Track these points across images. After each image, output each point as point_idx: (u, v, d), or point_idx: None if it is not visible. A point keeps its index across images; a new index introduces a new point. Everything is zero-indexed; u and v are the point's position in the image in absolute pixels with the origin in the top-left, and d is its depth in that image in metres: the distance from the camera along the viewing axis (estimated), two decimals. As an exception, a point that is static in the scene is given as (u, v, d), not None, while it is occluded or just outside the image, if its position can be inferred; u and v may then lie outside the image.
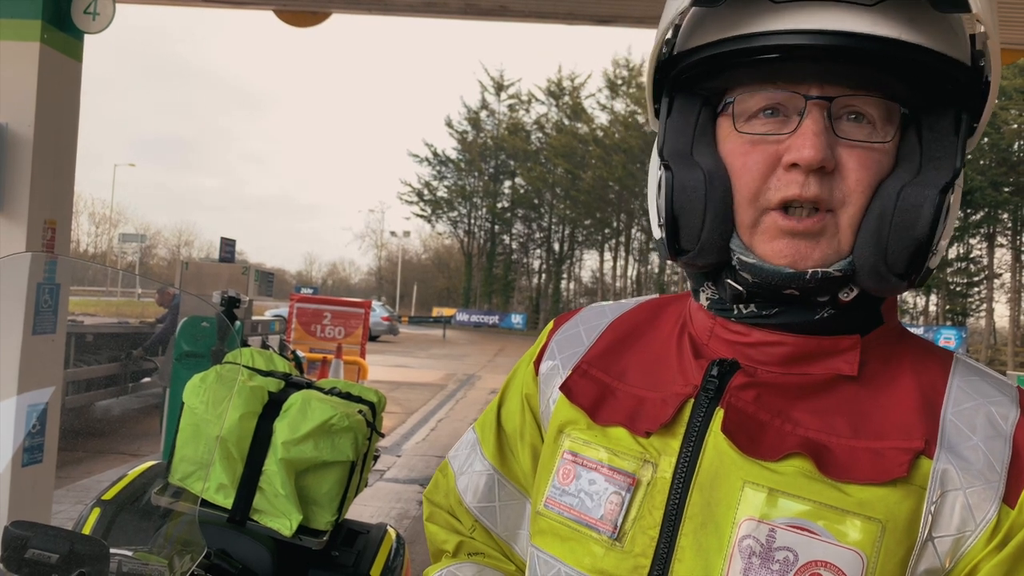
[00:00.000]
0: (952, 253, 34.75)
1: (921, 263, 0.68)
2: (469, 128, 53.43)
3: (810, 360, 0.73)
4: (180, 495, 1.85)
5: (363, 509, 5.63)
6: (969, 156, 0.76)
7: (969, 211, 33.18)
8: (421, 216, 55.21)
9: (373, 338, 24.27)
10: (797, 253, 0.69)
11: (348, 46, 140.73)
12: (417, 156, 58.06)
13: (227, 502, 1.86)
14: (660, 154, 0.75)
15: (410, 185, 57.22)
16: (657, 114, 0.79)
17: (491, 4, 4.21)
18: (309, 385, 2.05)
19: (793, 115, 0.69)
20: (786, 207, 0.69)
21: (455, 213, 54.68)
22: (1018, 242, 32.36)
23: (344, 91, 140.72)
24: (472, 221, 54.83)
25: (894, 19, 0.66)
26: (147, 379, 9.91)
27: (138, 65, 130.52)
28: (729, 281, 0.73)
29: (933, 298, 35.57)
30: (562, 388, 0.84)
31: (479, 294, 53.09)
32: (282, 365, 2.15)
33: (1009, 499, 0.66)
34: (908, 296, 36.40)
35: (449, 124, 54.86)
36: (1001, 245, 33.34)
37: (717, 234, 0.71)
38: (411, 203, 55.00)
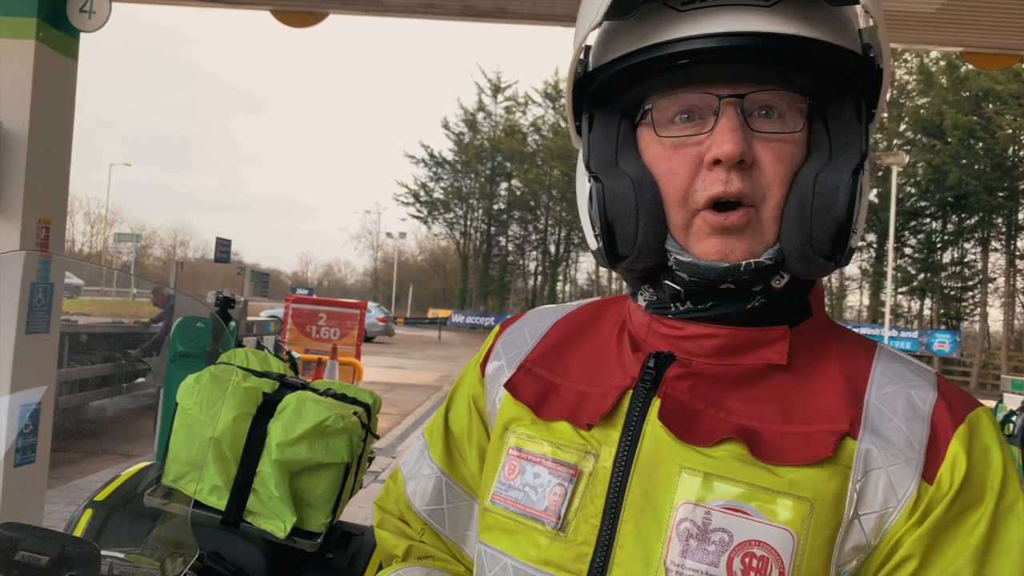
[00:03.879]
0: (947, 257, 34.87)
1: (844, 243, 0.72)
2: (466, 130, 53.42)
3: (742, 351, 0.77)
4: (173, 496, 1.84)
5: (358, 511, 5.62)
6: (872, 140, 0.80)
7: (963, 215, 33.30)
8: (417, 217, 55.16)
9: (369, 339, 24.22)
10: (727, 247, 0.72)
11: (345, 47, 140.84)
12: (413, 157, 57.97)
13: (220, 503, 1.85)
14: (587, 167, 0.78)
15: (406, 186, 57.14)
16: (579, 130, 0.82)
17: (488, 6, 4.20)
18: (304, 386, 2.04)
19: (709, 116, 0.73)
20: (714, 205, 0.72)
21: (451, 215, 54.64)
22: (1012, 247, 32.49)
23: (341, 92, 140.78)
24: (468, 223, 54.82)
25: (791, 17, 0.70)
26: (141, 379, 9.88)
27: (132, 65, 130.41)
28: (667, 282, 0.77)
29: (927, 302, 35.69)
30: (507, 386, 0.87)
31: (475, 296, 53.05)
32: (277, 366, 2.13)
33: (927, 475, 0.71)
34: (902, 300, 36.55)
35: (446, 126, 54.95)
36: (995, 249, 33.45)
37: (652, 237, 0.74)
38: (407, 204, 55.08)
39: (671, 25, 0.72)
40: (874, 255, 36.58)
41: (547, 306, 0.99)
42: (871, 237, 36.67)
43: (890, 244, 27.23)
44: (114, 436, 8.52)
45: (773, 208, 0.73)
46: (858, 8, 0.75)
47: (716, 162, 0.71)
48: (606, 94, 0.78)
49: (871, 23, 0.74)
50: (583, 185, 0.81)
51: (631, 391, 0.78)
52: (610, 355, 0.84)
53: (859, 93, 0.75)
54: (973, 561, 0.68)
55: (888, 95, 0.79)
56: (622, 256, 0.77)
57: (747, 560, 0.69)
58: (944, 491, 0.70)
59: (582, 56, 0.79)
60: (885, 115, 35.44)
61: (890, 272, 27.15)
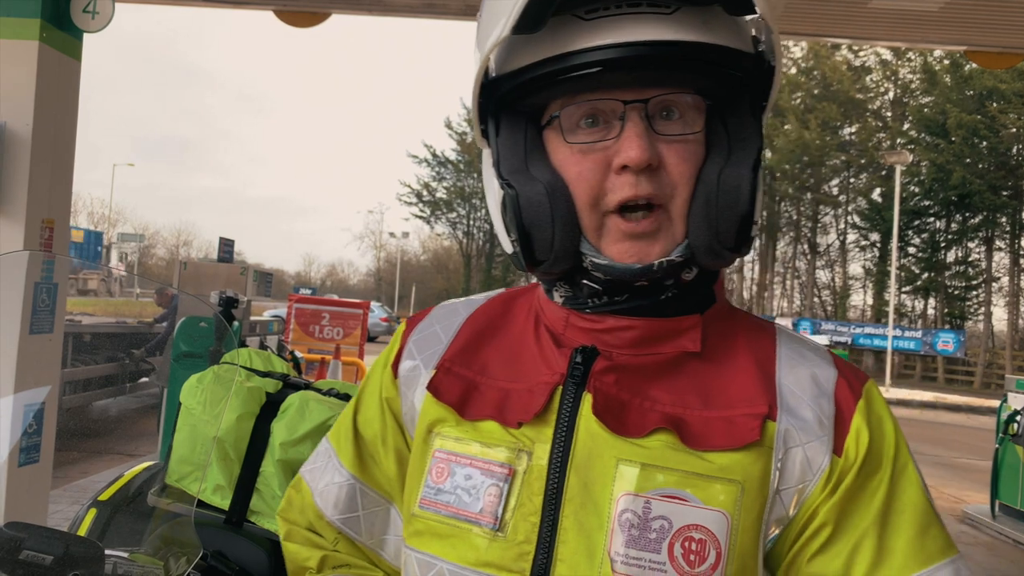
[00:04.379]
0: (950, 256, 34.79)
1: (747, 234, 0.76)
2: (468, 129, 53.38)
3: (659, 341, 0.80)
4: (177, 496, 1.84)
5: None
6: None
7: (967, 214, 33.20)
8: (420, 217, 55.14)
9: (372, 339, 24.26)
10: (641, 252, 0.75)
11: (347, 47, 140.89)
12: (416, 157, 58.08)
13: (224, 503, 1.85)
14: (499, 173, 0.79)
15: (409, 186, 57.11)
16: (484, 134, 0.83)
17: (491, 5, 4.20)
18: (307, 386, 2.04)
19: (614, 121, 0.75)
20: (624, 208, 0.75)
21: (454, 214, 54.63)
22: (1016, 246, 32.39)
23: (343, 92, 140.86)
24: (471, 222, 54.80)
25: (691, 24, 0.73)
26: (144, 379, 9.90)
27: (138, 65, 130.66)
28: (586, 282, 0.79)
29: (931, 302, 35.61)
30: (429, 388, 0.85)
31: (478, 295, 52.98)
32: (280, 366, 2.14)
33: (837, 449, 0.77)
34: (906, 300, 36.46)
35: (448, 125, 54.87)
36: (999, 249, 33.35)
37: (568, 241, 0.76)
38: (410, 204, 55.04)
39: (577, 35, 0.74)
40: (878, 254, 36.51)
41: (454, 300, 0.98)
42: (874, 236, 36.64)
43: (894, 243, 27.19)
44: (118, 436, 8.54)
45: (680, 206, 0.76)
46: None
47: (624, 167, 0.73)
48: (511, 99, 0.79)
49: (761, 29, 0.79)
50: (494, 190, 0.81)
51: (560, 387, 0.79)
52: (529, 350, 0.85)
53: (754, 91, 0.79)
54: (877, 522, 0.75)
55: (777, 91, 0.83)
56: (540, 261, 0.78)
57: (687, 544, 0.72)
58: (851, 462, 0.76)
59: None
60: (888, 114, 35.38)
61: (894, 271, 27.12)
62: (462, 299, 0.97)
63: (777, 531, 0.76)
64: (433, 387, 0.85)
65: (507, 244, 0.81)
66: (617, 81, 0.74)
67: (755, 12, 0.73)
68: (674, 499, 0.73)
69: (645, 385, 0.78)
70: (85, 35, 3.38)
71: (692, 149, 0.76)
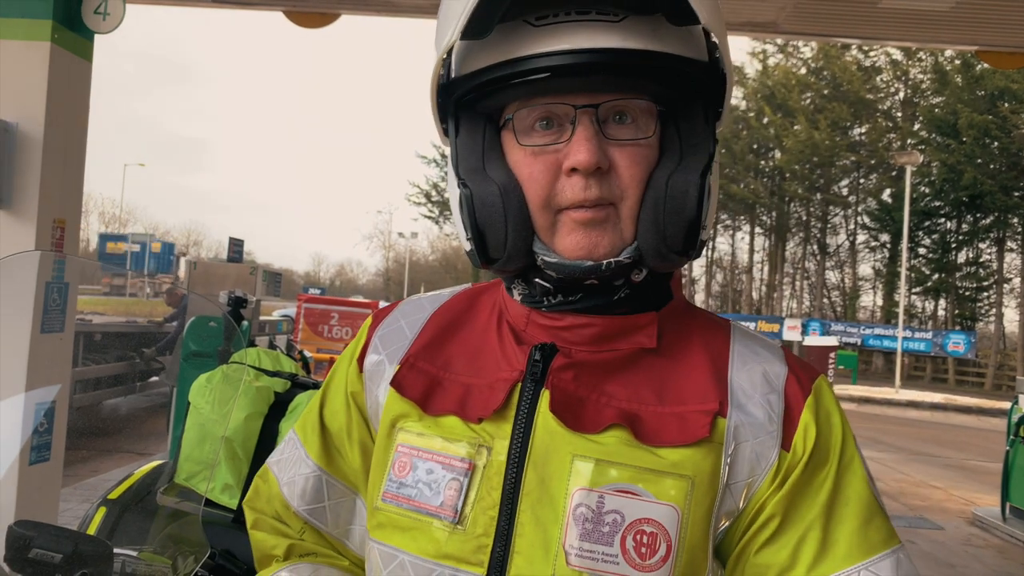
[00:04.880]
0: (961, 257, 34.56)
1: (695, 239, 0.78)
2: (477, 130, 53.30)
3: (616, 338, 0.82)
4: (185, 495, 1.85)
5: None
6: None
7: (978, 215, 32.99)
8: (429, 217, 55.14)
9: (380, 339, 24.20)
10: (590, 243, 0.77)
11: (356, 48, 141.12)
12: (425, 157, 58.00)
13: (232, 503, 1.86)
14: (456, 173, 0.82)
15: (418, 186, 57.06)
16: (446, 133, 0.85)
17: (500, 6, 4.20)
18: (315, 385, 2.05)
19: (566, 124, 0.77)
20: (574, 209, 0.77)
21: (463, 214, 54.57)
22: (1028, 247, 32.17)
23: (352, 93, 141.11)
24: (479, 223, 54.74)
25: (639, 32, 0.75)
26: (154, 378, 9.95)
27: (150, 66, 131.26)
28: (538, 280, 0.81)
29: (942, 303, 35.38)
30: (393, 383, 0.87)
31: (486, 296, 52.98)
32: (288, 365, 2.15)
33: (785, 444, 0.79)
34: (916, 301, 36.25)
35: (457, 126, 54.77)
36: (1011, 250, 33.10)
37: (521, 240, 0.79)
38: (419, 204, 54.99)
39: (527, 41, 0.75)
40: (888, 255, 36.33)
41: (420, 295, 0.99)
42: (884, 237, 36.46)
43: (904, 244, 27.05)
44: (128, 435, 8.58)
45: (630, 208, 0.77)
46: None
47: (573, 170, 0.75)
48: (469, 101, 0.81)
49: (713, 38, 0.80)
50: (453, 189, 0.83)
51: (520, 384, 0.81)
52: (491, 346, 0.86)
53: (707, 98, 0.80)
54: (822, 515, 0.78)
55: (732, 98, 0.84)
56: (494, 259, 0.81)
57: (638, 537, 0.74)
58: (799, 456, 0.79)
59: (445, 58, 0.81)
60: (899, 114, 35.20)
61: (904, 272, 26.96)
62: (428, 294, 0.99)
63: (727, 523, 0.79)
64: (397, 383, 0.86)
65: (465, 242, 0.82)
66: (569, 86, 0.76)
67: (698, 22, 0.74)
68: (627, 494, 0.75)
69: (602, 381, 0.81)
70: (96, 36, 3.40)
71: (643, 153, 0.78)
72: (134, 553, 1.39)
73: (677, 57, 0.76)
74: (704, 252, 0.81)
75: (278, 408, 1.92)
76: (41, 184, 3.18)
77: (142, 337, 10.00)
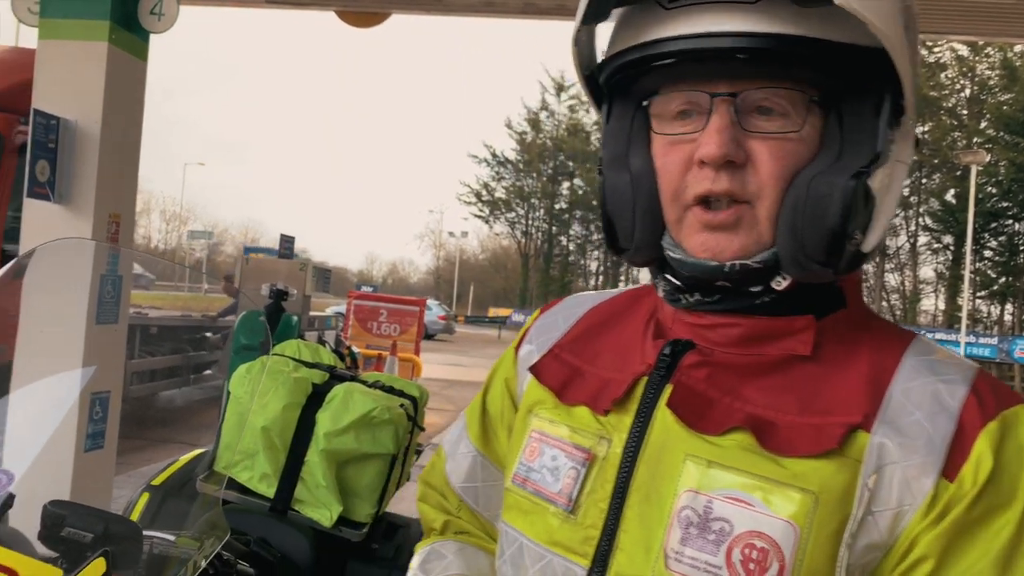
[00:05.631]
0: (1029, 260, 33.26)
1: (840, 250, 0.70)
2: (528, 129, 53.47)
3: (765, 341, 0.75)
4: (225, 482, 1.89)
5: (405, 504, 5.67)
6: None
7: (1049, 216, 31.73)
8: (479, 217, 55.51)
9: (429, 336, 24.50)
10: (717, 246, 0.72)
11: (408, 48, 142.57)
12: (476, 157, 58.37)
13: (269, 491, 1.89)
14: (600, 158, 0.80)
15: (469, 186, 57.21)
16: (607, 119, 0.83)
17: (550, 3, 4.18)
18: (353, 378, 2.06)
19: (704, 113, 0.72)
20: (705, 201, 0.72)
21: (513, 214, 54.78)
22: (1103, 250, 30.79)
23: (405, 93, 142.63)
24: (530, 222, 54.88)
25: (775, 15, 0.68)
26: (208, 371, 10.20)
27: (206, 68, 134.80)
28: (667, 275, 0.78)
29: (1008, 307, 34.09)
30: (531, 369, 0.89)
31: (535, 295, 53.07)
32: (327, 357, 2.17)
33: (948, 473, 0.67)
34: (981, 305, 35.00)
35: (509, 125, 55.19)
36: (1084, 252, 31.79)
37: (648, 232, 0.76)
38: (469, 204, 55.31)
39: (656, 24, 0.72)
40: (951, 257, 35.15)
41: (587, 292, 1.00)
42: (947, 239, 35.29)
43: (968, 246, 26.15)
44: (182, 426, 8.82)
45: (768, 207, 0.71)
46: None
47: (703, 162, 0.71)
48: (620, 85, 0.79)
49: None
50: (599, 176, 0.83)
51: (646, 378, 0.78)
52: (636, 343, 0.85)
53: (880, 89, 0.71)
54: (995, 566, 0.65)
55: (914, 92, 0.74)
56: (623, 248, 0.79)
57: (747, 551, 0.68)
58: (966, 490, 0.66)
59: (577, 44, 0.80)
60: (964, 112, 34.02)
61: (967, 275, 26.07)
62: (596, 291, 1.00)
63: (872, 559, 0.69)
64: (536, 370, 0.88)
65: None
66: (709, 72, 0.71)
67: (829, 3, 0.65)
68: (739, 502, 0.69)
69: (740, 384, 0.75)
70: (151, 36, 3.49)
71: (788, 148, 0.70)
72: (171, 537, 1.42)
73: (823, 42, 0.68)
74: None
75: (315, 399, 1.94)
76: (98, 180, 3.29)
77: (197, 330, 10.28)
